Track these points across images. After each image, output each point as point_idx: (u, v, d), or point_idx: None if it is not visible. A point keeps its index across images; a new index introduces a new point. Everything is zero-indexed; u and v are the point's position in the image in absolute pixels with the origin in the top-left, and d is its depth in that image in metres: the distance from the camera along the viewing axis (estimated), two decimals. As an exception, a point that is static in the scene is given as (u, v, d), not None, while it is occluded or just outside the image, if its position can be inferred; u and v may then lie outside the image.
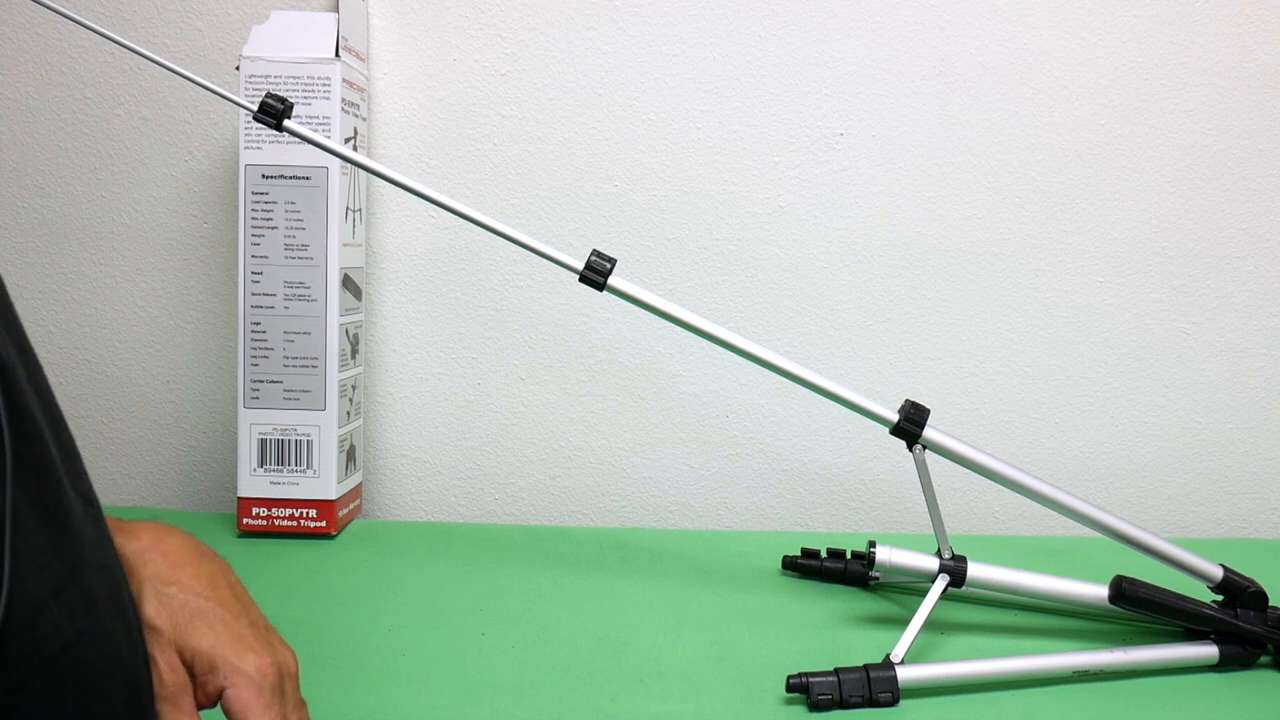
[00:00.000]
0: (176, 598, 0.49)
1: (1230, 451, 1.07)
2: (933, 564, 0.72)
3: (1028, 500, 0.73)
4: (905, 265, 1.04)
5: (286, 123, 0.66)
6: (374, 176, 0.72)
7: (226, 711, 0.48)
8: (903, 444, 0.71)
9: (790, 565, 0.88)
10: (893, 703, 0.65)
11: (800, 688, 0.64)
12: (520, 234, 0.68)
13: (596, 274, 0.68)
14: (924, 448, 0.71)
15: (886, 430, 0.72)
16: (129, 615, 0.45)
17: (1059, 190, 1.03)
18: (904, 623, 0.68)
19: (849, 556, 0.86)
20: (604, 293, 0.69)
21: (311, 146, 0.68)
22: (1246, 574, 0.73)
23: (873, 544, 0.73)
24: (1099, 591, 0.74)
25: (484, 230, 0.69)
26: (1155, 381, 1.06)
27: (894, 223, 1.03)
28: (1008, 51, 1.01)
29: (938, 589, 0.71)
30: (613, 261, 0.69)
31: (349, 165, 0.90)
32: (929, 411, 0.71)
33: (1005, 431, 1.06)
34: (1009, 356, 1.05)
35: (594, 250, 0.69)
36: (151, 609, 0.48)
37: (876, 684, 0.65)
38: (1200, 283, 1.05)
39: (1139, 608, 0.72)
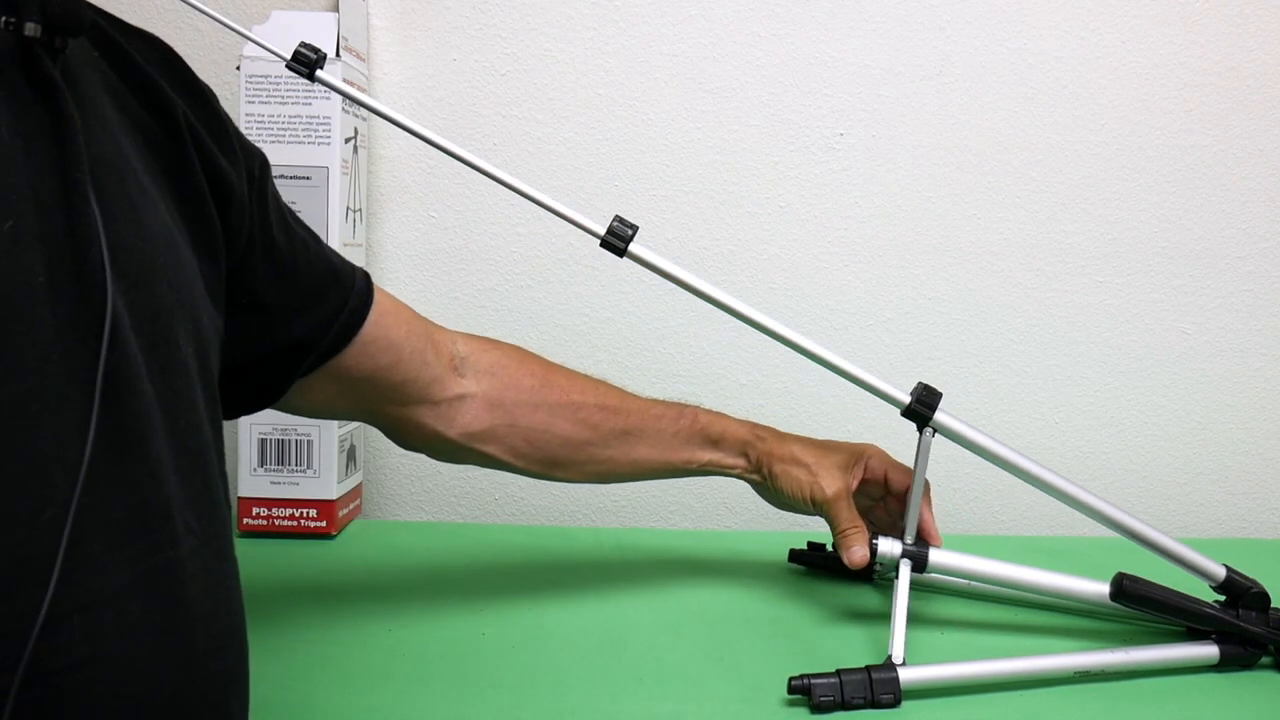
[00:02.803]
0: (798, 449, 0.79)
1: (1230, 451, 1.07)
2: (895, 548, 0.72)
3: (1028, 500, 0.73)
4: (905, 265, 1.03)
5: (319, 73, 0.64)
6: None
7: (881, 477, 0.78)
8: (904, 445, 0.71)
9: (796, 558, 0.88)
10: (895, 704, 0.65)
11: (802, 689, 0.64)
12: (541, 195, 0.65)
13: (618, 239, 0.67)
14: (934, 431, 0.70)
15: (887, 430, 0.71)
16: (195, 646, 0.44)
17: (1059, 190, 1.03)
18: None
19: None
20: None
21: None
22: (1247, 574, 0.73)
23: (875, 535, 0.73)
24: (1099, 588, 0.74)
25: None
26: (1155, 381, 1.06)
27: (894, 223, 1.03)
28: (1008, 51, 1.01)
29: (904, 576, 0.70)
30: (634, 228, 0.68)
31: (349, 165, 0.90)
32: (941, 395, 0.71)
33: (1005, 431, 1.04)
34: (1009, 356, 1.05)
35: (616, 216, 0.68)
36: (795, 452, 0.79)
37: (879, 685, 0.65)
38: (1200, 283, 1.05)
39: (1140, 605, 0.72)
